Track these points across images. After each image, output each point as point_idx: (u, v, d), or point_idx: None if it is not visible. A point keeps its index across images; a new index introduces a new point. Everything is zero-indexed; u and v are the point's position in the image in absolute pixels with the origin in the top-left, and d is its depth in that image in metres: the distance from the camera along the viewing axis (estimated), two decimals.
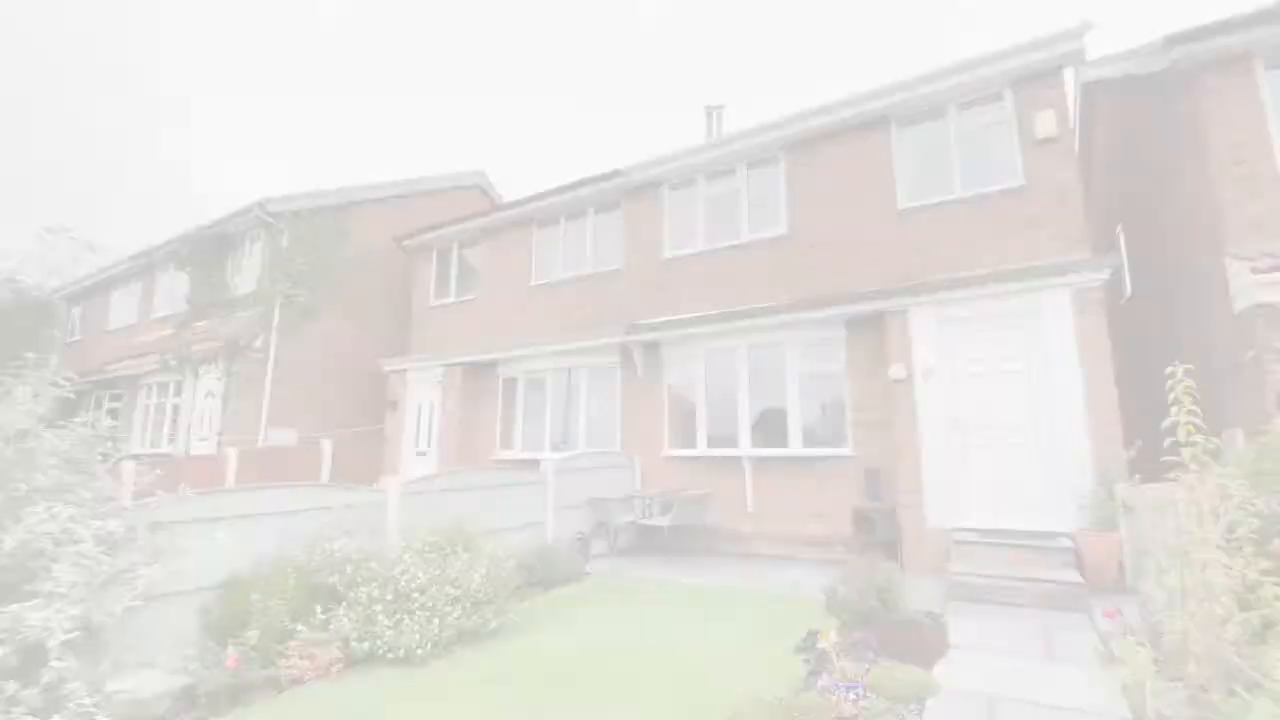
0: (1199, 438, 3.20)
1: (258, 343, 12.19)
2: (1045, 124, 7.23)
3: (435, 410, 12.03)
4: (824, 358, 8.26)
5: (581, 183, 10.76)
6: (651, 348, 9.75)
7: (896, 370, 7.19)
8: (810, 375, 8.29)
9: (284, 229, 12.91)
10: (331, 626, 4.28)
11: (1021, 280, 6.64)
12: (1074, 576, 5.30)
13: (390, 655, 4.21)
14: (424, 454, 12.05)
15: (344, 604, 4.43)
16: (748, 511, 8.44)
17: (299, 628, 4.16)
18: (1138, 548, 5.67)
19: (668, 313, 9.69)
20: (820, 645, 3.91)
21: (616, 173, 10.31)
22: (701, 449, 8.90)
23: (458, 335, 12.55)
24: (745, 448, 8.48)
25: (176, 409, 13.58)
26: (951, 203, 7.68)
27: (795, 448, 8.15)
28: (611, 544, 8.40)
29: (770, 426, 8.51)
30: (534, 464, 8.23)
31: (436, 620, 4.40)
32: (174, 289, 15.92)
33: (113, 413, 16.87)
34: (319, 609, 4.32)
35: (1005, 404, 6.71)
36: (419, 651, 4.22)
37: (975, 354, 6.95)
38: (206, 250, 14.34)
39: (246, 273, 13.82)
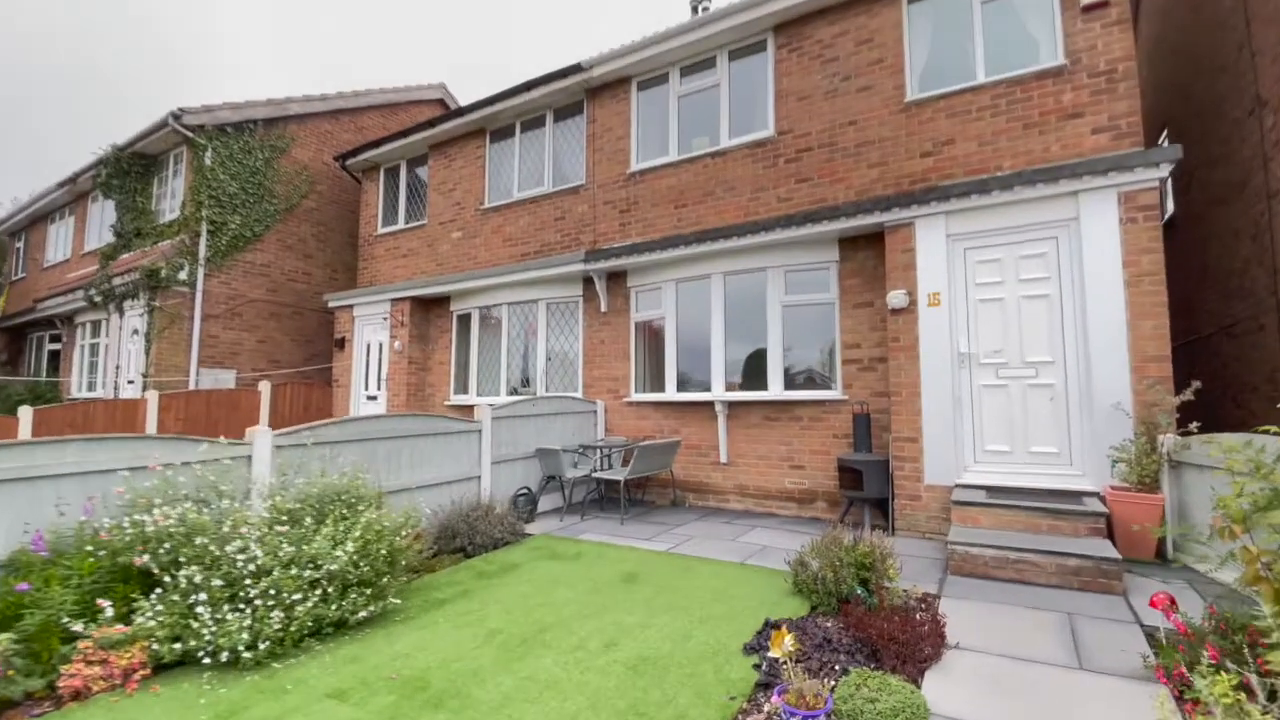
0: None
1: (182, 275, 10.97)
2: None
3: (385, 350, 10.93)
4: (812, 286, 7.06)
5: (537, 81, 9.26)
6: (616, 278, 8.55)
7: (896, 297, 6.01)
8: (795, 307, 7.11)
9: (206, 145, 11.45)
10: (134, 621, 3.30)
11: (1055, 181, 5.36)
12: (1105, 549, 4.30)
13: (209, 660, 3.25)
14: (374, 398, 11.05)
15: (158, 591, 3.44)
16: (721, 462, 7.46)
17: (78, 626, 3.17)
18: (1185, 513, 4.66)
19: (635, 236, 8.43)
20: (772, 655, 2.92)
21: (576, 67, 8.81)
22: (670, 393, 7.83)
23: (408, 266, 11.32)
24: (719, 391, 7.40)
25: (105, 349, 12.51)
26: (972, 90, 6.28)
27: (775, 390, 7.07)
28: (567, 499, 7.47)
29: (748, 367, 7.41)
30: (526, 404, 7.16)
31: (280, 612, 3.42)
32: (105, 218, 14.56)
33: (54, 355, 15.92)
34: (113, 600, 3.31)
35: (1027, 336, 5.57)
36: (248, 655, 3.25)
37: (992, 275, 5.76)
38: (129, 174, 12.90)
39: (176, 198, 12.44)
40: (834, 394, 6.79)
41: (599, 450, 7.42)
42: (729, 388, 7.45)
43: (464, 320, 10.32)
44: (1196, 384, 4.68)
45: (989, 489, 5.39)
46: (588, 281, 8.70)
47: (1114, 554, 4.12)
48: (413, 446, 5.78)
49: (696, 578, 4.66)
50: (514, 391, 9.47)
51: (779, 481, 7.08)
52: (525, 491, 6.84)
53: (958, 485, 5.59)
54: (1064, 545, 4.35)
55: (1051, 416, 5.41)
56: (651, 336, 8.26)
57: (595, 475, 6.91)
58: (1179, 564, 4.60)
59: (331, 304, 11.76)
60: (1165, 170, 5.07)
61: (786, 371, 7.12)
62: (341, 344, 11.62)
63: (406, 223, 11.59)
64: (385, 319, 10.94)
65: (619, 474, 6.73)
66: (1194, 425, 4.70)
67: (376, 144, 11.64)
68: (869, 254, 6.68)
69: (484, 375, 9.95)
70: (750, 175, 7.58)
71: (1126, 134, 5.56)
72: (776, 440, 7.13)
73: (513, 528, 5.87)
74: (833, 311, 6.92)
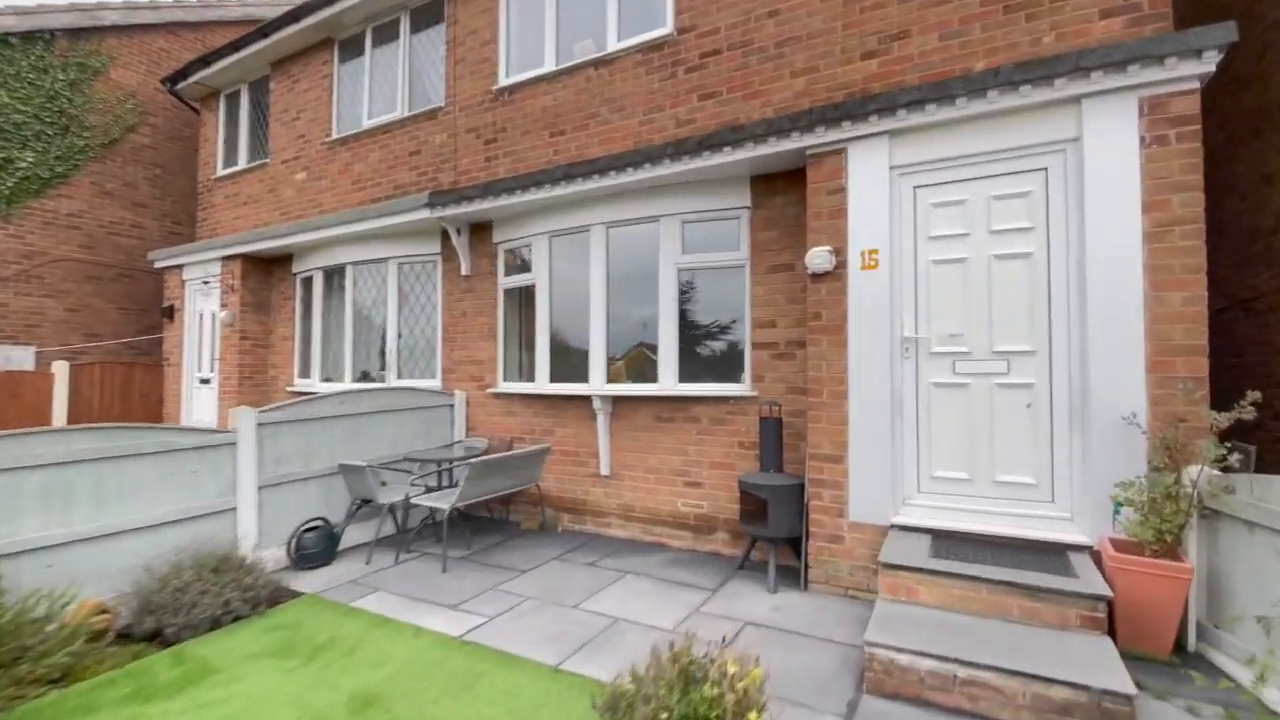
0: None
1: None
2: None
3: (218, 322, 8.92)
4: (716, 242, 5.32)
5: None
6: (481, 231, 6.68)
7: (817, 256, 4.31)
8: (695, 270, 5.37)
9: None
10: None
11: (1049, 81, 3.65)
12: (1108, 669, 2.74)
13: None
14: (207, 381, 9.08)
15: None
16: (602, 475, 5.79)
17: None
18: (1220, 588, 3.12)
19: (503, 172, 6.53)
20: None
21: None
22: (542, 383, 6.08)
23: (249, 216, 9.24)
24: (598, 383, 5.67)
25: None
26: None
27: (668, 383, 5.37)
28: (399, 526, 5.72)
29: (636, 351, 5.69)
30: (328, 400, 5.35)
31: None
32: None
33: None
34: None
35: (998, 314, 3.93)
36: None
37: (952, 225, 4.08)
38: None
39: None
40: (741, 389, 5.13)
41: (435, 464, 5.63)
42: (611, 377, 5.73)
43: (308, 284, 8.35)
44: (1255, 395, 3.09)
45: (936, 535, 3.82)
46: (447, 236, 6.81)
47: (1124, 685, 2.54)
48: (99, 474, 3.94)
49: (472, 701, 2.99)
50: (364, 376, 7.61)
51: (671, 503, 5.45)
52: (318, 524, 5.07)
53: (893, 526, 4.01)
54: (1042, 658, 2.77)
55: (1028, 431, 3.82)
56: (524, 308, 6.45)
57: (416, 502, 5.15)
58: (1204, 659, 3.09)
59: (157, 264, 9.63)
60: (1211, 63, 3.39)
61: (683, 358, 5.41)
62: (171, 313, 9.55)
63: (250, 161, 9.45)
64: (216, 282, 8.89)
65: (444, 501, 4.99)
66: (1234, 458, 3.14)
67: (206, 61, 9.37)
68: (789, 199, 4.95)
69: (329, 356, 8.05)
70: (643, 91, 5.72)
71: (1149, 17, 3.85)
72: (669, 448, 5.47)
73: (256, 589, 4.09)
74: (742, 277, 5.21)
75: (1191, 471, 3.19)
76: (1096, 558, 3.44)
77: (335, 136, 8.14)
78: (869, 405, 4.16)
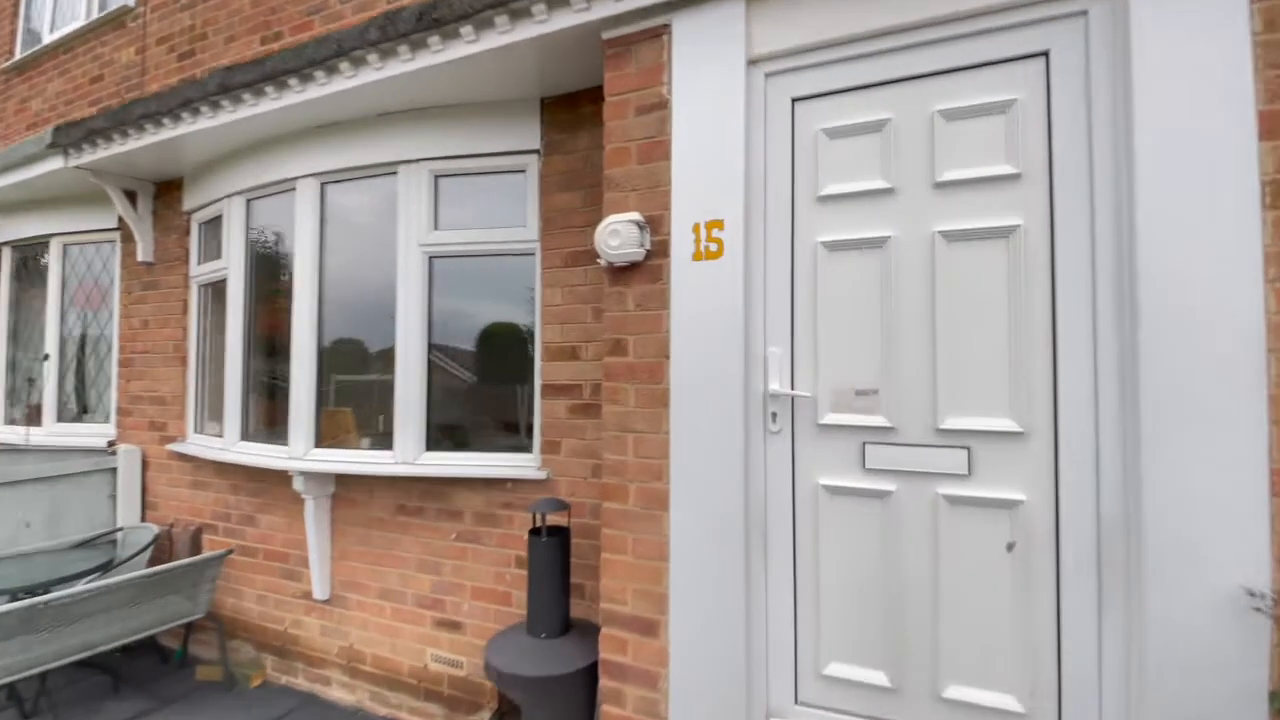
0: None
1: None
2: None
3: None
4: (490, 211, 3.26)
5: None
6: (168, 194, 4.44)
7: (617, 234, 2.28)
8: (455, 259, 3.29)
9: None
10: None
11: None
12: None
13: None
14: None
15: None
16: (316, 598, 3.60)
17: None
18: None
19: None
20: None
21: None
22: (231, 442, 3.85)
23: None
24: (301, 448, 3.48)
25: None
26: None
27: (410, 453, 3.24)
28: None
29: (366, 394, 3.55)
30: None
31: None
32: None
33: None
34: None
35: (947, 351, 1.98)
36: None
37: (861, 172, 2.11)
38: None
39: None
40: (526, 464, 3.06)
41: None
42: (335, 439, 3.56)
43: None
44: None
45: None
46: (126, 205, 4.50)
47: None
48: None
49: None
50: (22, 419, 5.17)
51: (417, 653, 3.32)
52: None
53: None
54: None
55: (1011, 599, 1.87)
56: (223, 318, 4.22)
57: None
58: None
59: None
60: None
61: (439, 410, 3.31)
62: None
63: None
64: None
65: None
66: None
67: None
68: (599, 135, 2.93)
69: None
70: None
71: None
72: (416, 559, 3.34)
73: None
74: (531, 269, 3.16)
75: None
76: None
77: (13, 61, 5.70)
78: (707, 524, 2.15)
